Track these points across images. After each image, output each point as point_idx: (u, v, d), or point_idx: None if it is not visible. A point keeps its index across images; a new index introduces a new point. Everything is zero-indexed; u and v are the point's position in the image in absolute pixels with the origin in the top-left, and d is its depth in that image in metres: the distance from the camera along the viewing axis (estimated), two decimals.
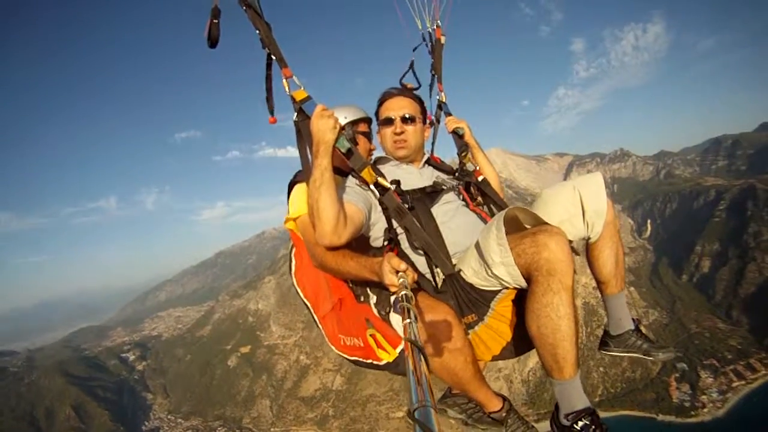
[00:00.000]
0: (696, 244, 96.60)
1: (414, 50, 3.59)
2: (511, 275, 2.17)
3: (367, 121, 3.08)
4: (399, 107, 2.93)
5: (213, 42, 2.48)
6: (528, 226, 2.40)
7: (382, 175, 2.60)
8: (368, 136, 3.07)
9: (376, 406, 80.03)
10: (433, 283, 2.46)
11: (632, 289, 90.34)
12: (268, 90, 2.59)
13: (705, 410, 69.18)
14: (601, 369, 75.58)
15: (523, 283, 2.17)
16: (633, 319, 2.69)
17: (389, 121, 2.90)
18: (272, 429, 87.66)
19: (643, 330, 2.73)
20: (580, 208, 2.42)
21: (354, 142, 2.55)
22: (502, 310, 2.37)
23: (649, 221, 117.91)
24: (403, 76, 3.42)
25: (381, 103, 2.99)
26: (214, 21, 2.43)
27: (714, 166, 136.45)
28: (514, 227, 2.37)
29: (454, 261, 2.48)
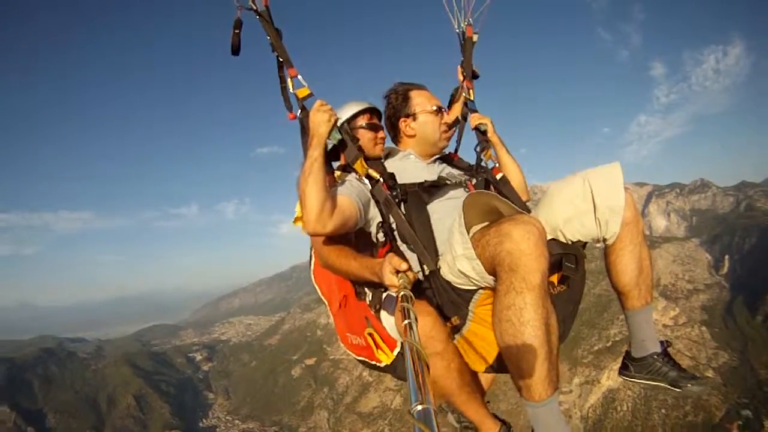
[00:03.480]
0: None
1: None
2: (475, 271, 1.94)
3: (368, 111, 2.99)
4: (436, 99, 3.00)
5: (235, 50, 2.68)
6: None
7: (377, 167, 2.55)
8: (372, 127, 2.95)
9: None
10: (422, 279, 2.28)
11: (704, 329, 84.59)
12: (283, 90, 2.67)
13: None
14: (663, 411, 71.89)
15: (491, 281, 1.92)
16: (661, 341, 2.32)
17: (440, 110, 2.89)
18: None
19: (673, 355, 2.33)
20: (591, 203, 2.11)
21: (352, 136, 2.57)
22: (482, 313, 2.11)
23: (726, 257, 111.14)
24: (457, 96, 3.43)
25: (419, 89, 2.95)
26: (236, 32, 2.63)
27: None
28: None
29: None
